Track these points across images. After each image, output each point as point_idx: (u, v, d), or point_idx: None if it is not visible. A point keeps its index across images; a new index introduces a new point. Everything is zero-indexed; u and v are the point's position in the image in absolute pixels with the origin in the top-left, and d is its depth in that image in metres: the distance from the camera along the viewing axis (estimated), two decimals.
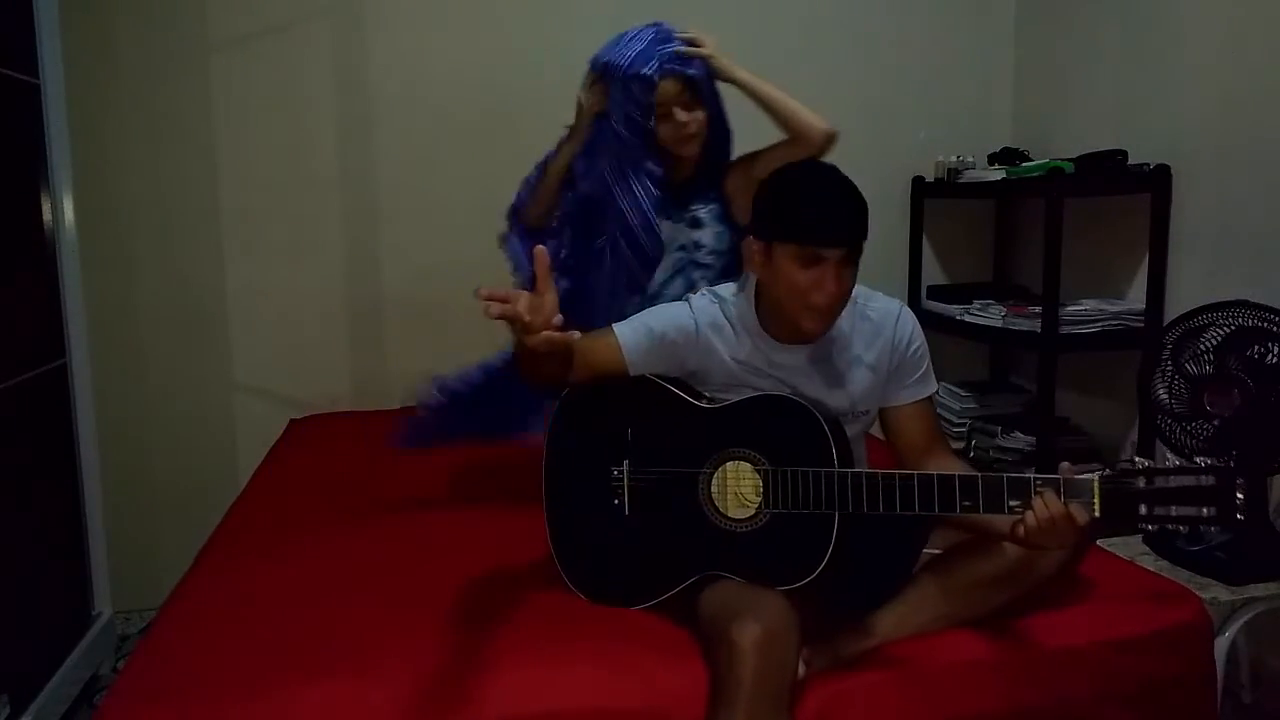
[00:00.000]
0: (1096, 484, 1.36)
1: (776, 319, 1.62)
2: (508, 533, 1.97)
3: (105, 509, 2.58)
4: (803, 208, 1.50)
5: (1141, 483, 1.35)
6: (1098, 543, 1.95)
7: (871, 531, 1.62)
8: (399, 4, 2.91)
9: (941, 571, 1.58)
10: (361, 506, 2.16)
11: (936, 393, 1.73)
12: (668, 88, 1.94)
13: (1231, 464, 1.34)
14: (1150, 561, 2.00)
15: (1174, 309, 2.44)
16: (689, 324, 1.64)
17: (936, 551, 1.62)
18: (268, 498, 2.24)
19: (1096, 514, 1.36)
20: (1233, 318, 1.95)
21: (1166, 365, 2.01)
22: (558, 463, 1.73)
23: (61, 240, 2.41)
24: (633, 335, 1.64)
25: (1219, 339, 1.95)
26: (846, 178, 1.53)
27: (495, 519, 2.07)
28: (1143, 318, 2.61)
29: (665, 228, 2.02)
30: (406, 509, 2.15)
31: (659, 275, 2.04)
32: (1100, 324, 2.62)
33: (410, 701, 1.39)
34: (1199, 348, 1.96)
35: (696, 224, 2.05)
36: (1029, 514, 1.37)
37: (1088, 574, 1.71)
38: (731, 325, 1.65)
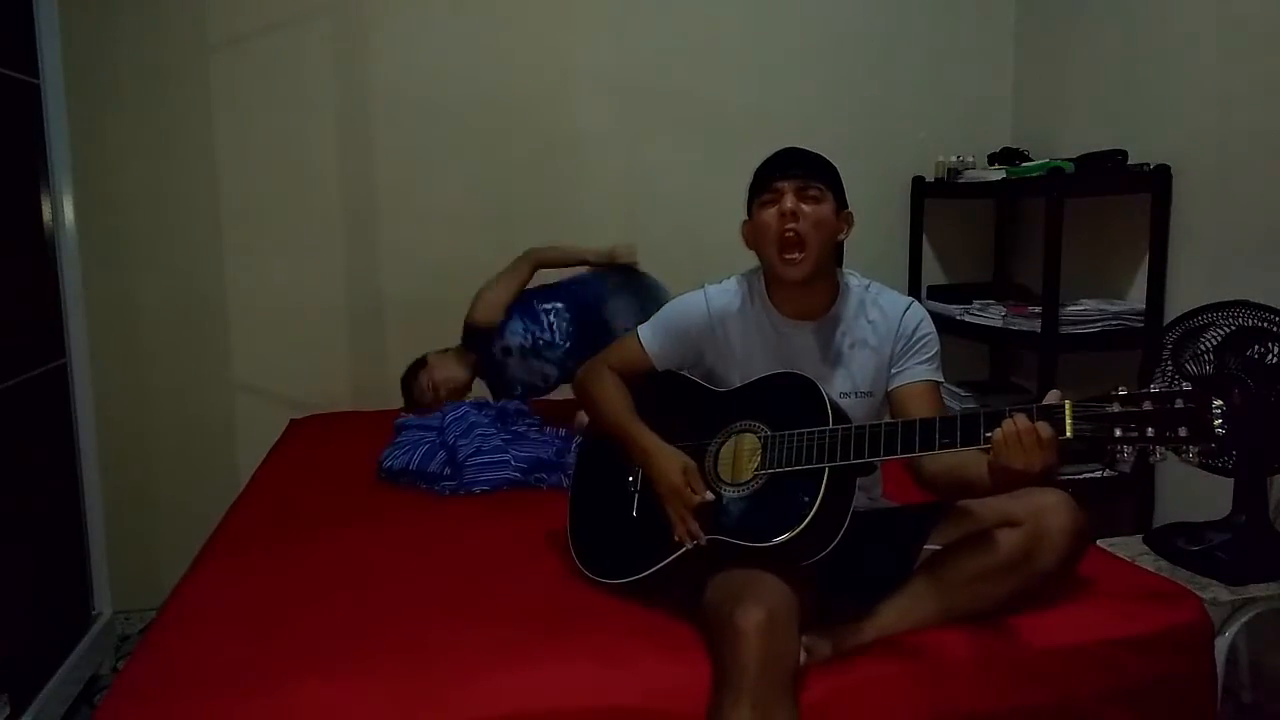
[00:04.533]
0: (1069, 406, 1.37)
1: (778, 291, 1.72)
2: (507, 532, 1.98)
3: (105, 509, 2.58)
4: (762, 165, 1.73)
5: (1116, 408, 1.35)
6: (1098, 543, 1.95)
7: (873, 528, 1.63)
8: (399, 4, 2.91)
9: (941, 566, 1.59)
10: (361, 506, 2.16)
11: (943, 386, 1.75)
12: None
13: (1214, 396, 1.31)
14: (1150, 561, 2.00)
15: (1174, 309, 2.44)
16: (700, 306, 1.76)
17: (936, 547, 1.62)
18: (268, 498, 2.24)
19: (1068, 434, 1.35)
20: (1233, 318, 1.95)
21: (1166, 365, 2.01)
22: (590, 457, 1.89)
23: (61, 239, 2.41)
24: (650, 330, 1.80)
25: (1219, 339, 1.95)
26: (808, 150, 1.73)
27: (495, 518, 2.08)
28: (1143, 318, 2.61)
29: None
30: (406, 508, 2.15)
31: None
32: (1100, 324, 2.62)
33: (410, 700, 1.39)
34: (1199, 348, 1.96)
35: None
36: (998, 431, 1.37)
37: (1088, 574, 1.71)
38: (745, 302, 1.75)
